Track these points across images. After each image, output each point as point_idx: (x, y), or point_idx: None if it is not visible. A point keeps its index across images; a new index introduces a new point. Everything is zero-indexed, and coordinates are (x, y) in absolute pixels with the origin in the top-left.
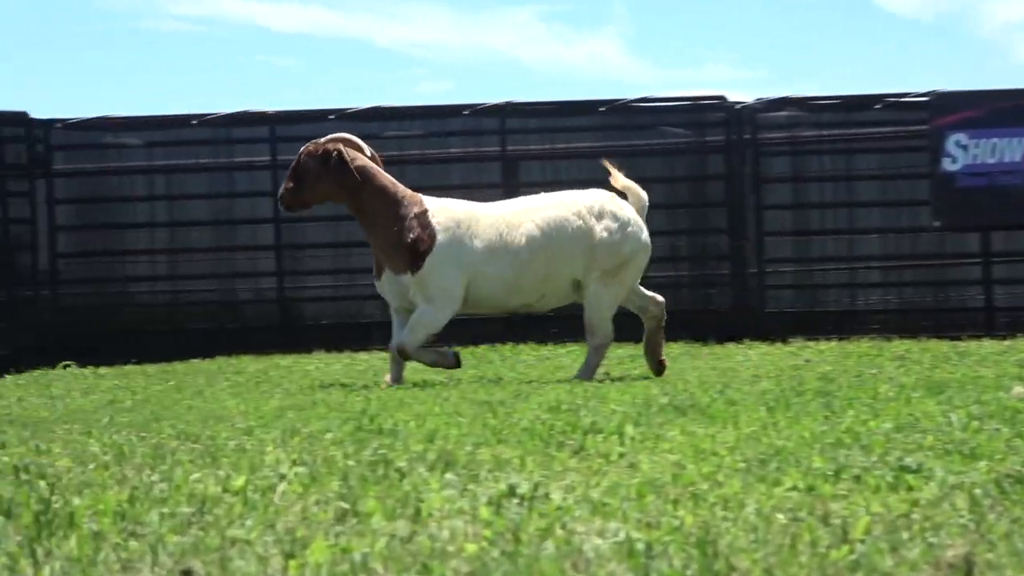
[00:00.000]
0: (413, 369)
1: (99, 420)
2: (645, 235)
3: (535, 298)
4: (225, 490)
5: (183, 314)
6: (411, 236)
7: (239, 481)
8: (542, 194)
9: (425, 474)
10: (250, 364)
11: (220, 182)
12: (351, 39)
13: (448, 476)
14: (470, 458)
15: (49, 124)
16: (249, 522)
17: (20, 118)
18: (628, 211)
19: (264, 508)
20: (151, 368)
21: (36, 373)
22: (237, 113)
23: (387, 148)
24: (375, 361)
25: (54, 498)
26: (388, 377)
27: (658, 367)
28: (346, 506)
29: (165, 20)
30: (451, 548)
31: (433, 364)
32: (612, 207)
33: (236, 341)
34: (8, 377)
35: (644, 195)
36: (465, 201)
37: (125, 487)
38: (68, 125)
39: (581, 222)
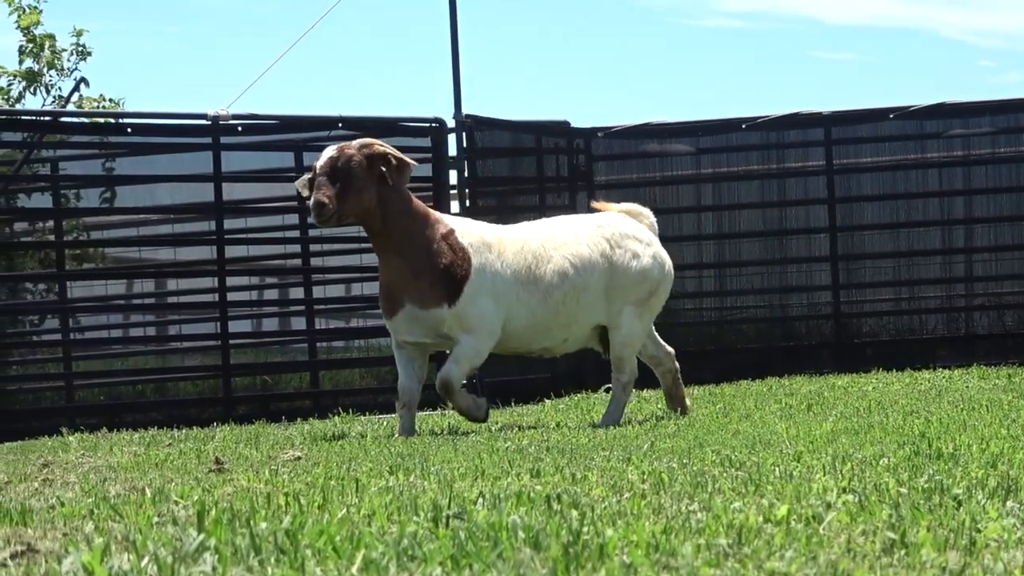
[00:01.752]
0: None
1: (640, 446)
2: (667, 258)
3: (559, 341)
4: (767, 520)
5: (731, 332)
6: (443, 262)
7: (782, 510)
8: (551, 220)
9: (984, 502)
10: (803, 385)
11: (771, 189)
12: (913, 30)
13: (1009, 504)
14: None
15: (590, 133)
16: (789, 554)
17: (561, 128)
18: (646, 232)
19: (807, 539)
20: (697, 390)
21: (576, 397)
22: (789, 115)
23: (952, 148)
24: (939, 380)
25: (585, 528)
26: (397, 430)
27: (684, 411)
28: (894, 536)
29: (711, 17)
30: None
31: (465, 410)
32: (632, 230)
33: (788, 360)
34: (548, 402)
35: (649, 213)
36: (483, 223)
37: (661, 517)
38: (610, 133)
39: (604, 260)
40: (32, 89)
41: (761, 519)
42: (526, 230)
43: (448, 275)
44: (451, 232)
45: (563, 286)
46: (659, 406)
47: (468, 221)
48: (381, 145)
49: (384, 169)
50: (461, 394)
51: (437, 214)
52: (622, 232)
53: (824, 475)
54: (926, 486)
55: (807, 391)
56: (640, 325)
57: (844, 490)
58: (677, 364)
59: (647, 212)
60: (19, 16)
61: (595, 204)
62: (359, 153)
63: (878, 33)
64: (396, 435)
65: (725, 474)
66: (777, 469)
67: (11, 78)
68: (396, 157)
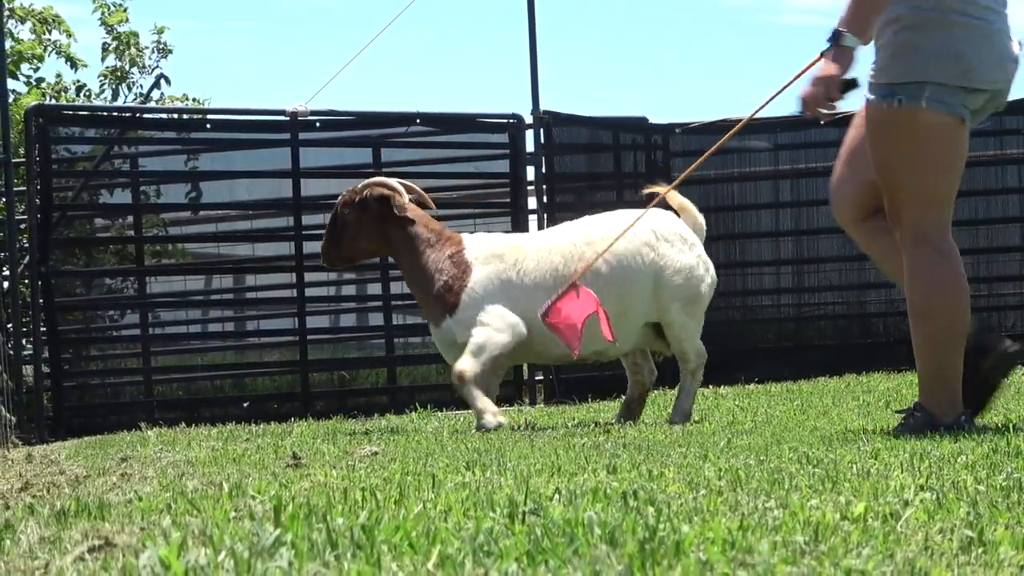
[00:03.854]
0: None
1: (716, 443)
2: (710, 260)
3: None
4: (844, 517)
5: (809, 329)
6: (443, 278)
7: (859, 507)
8: (592, 218)
9: None
10: (881, 382)
11: None
12: None
13: None
14: None
15: (668, 129)
16: (866, 551)
17: (639, 124)
18: (691, 232)
19: (884, 537)
20: (774, 387)
21: (654, 394)
22: None
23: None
24: (1018, 377)
25: (661, 525)
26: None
27: (634, 420)
28: (972, 534)
29: (789, 13)
30: None
31: (476, 408)
32: (677, 227)
33: (866, 357)
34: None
35: (701, 218)
36: (510, 234)
37: (737, 514)
38: (687, 129)
39: (648, 254)
40: (116, 87)
41: (838, 516)
42: (560, 232)
43: (447, 289)
44: (459, 251)
45: (595, 283)
46: (736, 403)
47: (484, 236)
48: (382, 186)
49: (391, 204)
50: (473, 390)
51: (454, 235)
52: (667, 228)
53: (901, 472)
54: (1004, 484)
55: (885, 388)
56: (692, 321)
57: (922, 488)
58: (651, 384)
59: (699, 217)
60: (104, 13)
61: (651, 189)
62: (354, 196)
63: None
64: (473, 431)
65: (802, 471)
66: (854, 466)
67: (101, 79)
68: (397, 201)
